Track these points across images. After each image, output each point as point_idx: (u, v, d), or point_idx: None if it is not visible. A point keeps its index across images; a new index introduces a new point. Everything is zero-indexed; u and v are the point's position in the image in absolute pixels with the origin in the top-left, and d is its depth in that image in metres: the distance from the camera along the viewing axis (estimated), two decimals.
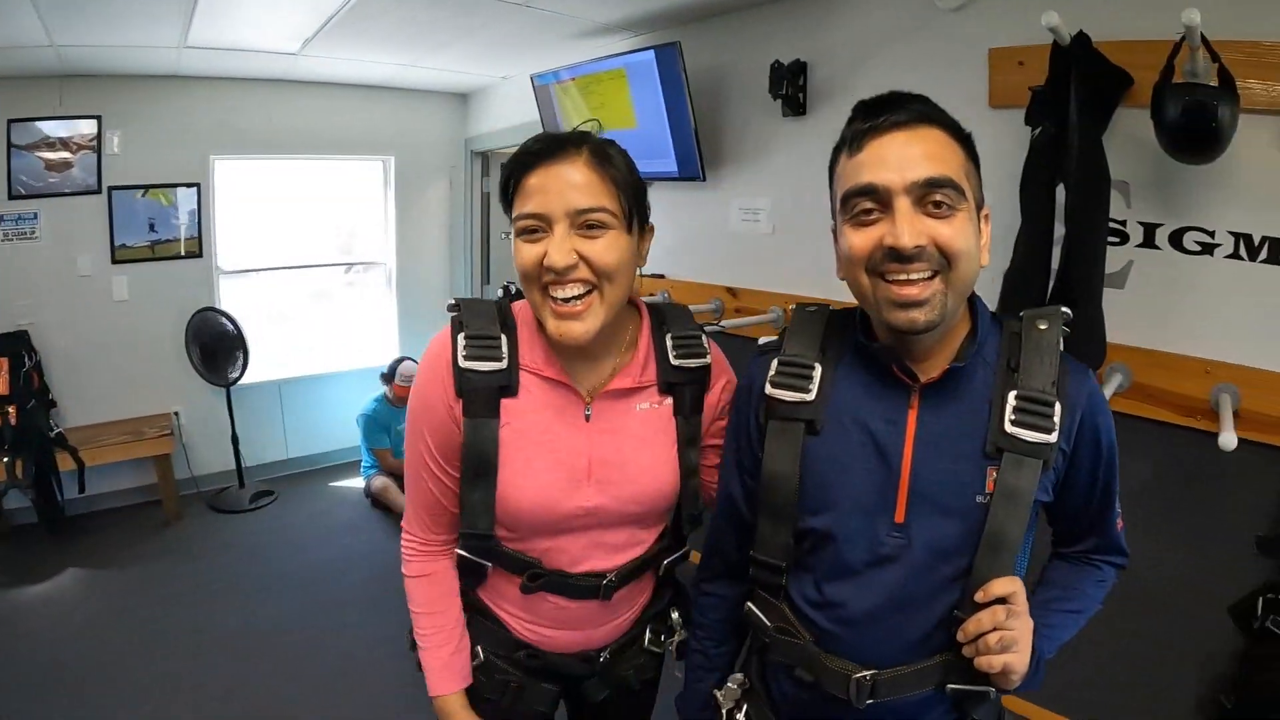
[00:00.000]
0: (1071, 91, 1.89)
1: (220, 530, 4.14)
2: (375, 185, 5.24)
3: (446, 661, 1.25)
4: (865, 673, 1.02)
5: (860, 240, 0.96)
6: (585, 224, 1.05)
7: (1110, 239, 1.98)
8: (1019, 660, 0.93)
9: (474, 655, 1.27)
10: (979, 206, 0.98)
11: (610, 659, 1.31)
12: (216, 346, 4.39)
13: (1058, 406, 0.96)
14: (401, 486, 4.26)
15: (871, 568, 1.02)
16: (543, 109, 3.97)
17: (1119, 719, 2.14)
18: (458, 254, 5.53)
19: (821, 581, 1.07)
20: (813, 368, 1.07)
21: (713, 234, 3.39)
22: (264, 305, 4.97)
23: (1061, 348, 1.01)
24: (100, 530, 4.07)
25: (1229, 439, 1.71)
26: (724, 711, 1.22)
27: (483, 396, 1.13)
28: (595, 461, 1.17)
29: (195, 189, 4.44)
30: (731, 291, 3.32)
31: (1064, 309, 1.02)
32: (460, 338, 1.13)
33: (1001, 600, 0.94)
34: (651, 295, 3.53)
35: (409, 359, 4.58)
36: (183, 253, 4.46)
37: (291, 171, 4.91)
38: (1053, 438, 0.96)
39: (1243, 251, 1.94)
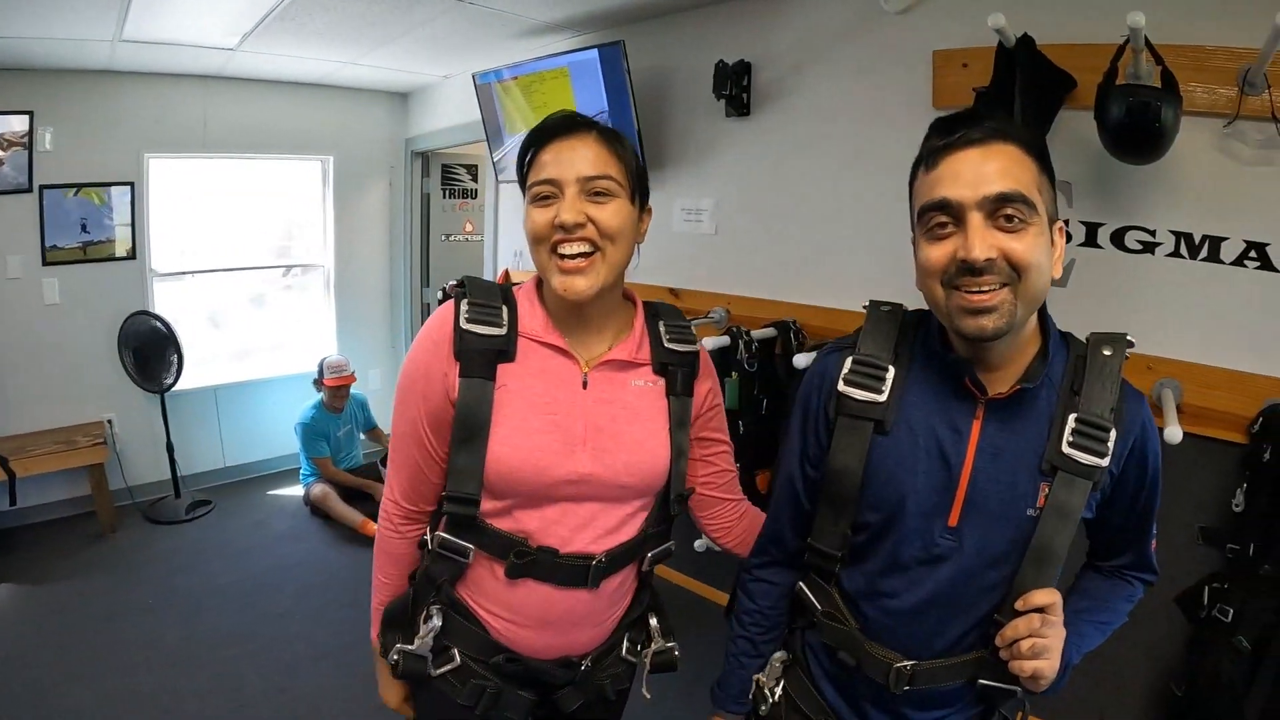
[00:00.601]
0: (1016, 93, 1.91)
1: (157, 542, 3.97)
2: (314, 186, 5.12)
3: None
4: (906, 663, 1.08)
5: (935, 253, 0.98)
6: (594, 190, 1.12)
7: None
8: (1049, 667, 0.98)
9: (449, 658, 1.24)
10: (1052, 220, 0.99)
11: (591, 666, 1.28)
12: (150, 352, 4.21)
13: (1113, 432, 1.00)
14: (342, 495, 4.19)
15: (923, 565, 1.07)
16: (484, 108, 3.90)
17: (1071, 709, 2.18)
18: (398, 256, 5.41)
19: (874, 574, 1.12)
20: (886, 369, 1.11)
21: (654, 234, 3.28)
22: (199, 309, 4.80)
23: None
24: (33, 544, 3.87)
25: (1174, 432, 1.75)
26: (765, 688, 1.26)
27: (480, 359, 1.15)
28: (590, 428, 1.18)
29: (129, 188, 4.25)
30: (674, 292, 3.31)
31: (1129, 336, 1.06)
32: (464, 303, 1.17)
33: (1039, 610, 0.98)
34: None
35: (334, 355, 4.53)
36: (116, 254, 4.27)
37: (228, 171, 4.75)
38: (1105, 461, 1.00)
39: (1183, 250, 1.99)
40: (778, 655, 1.27)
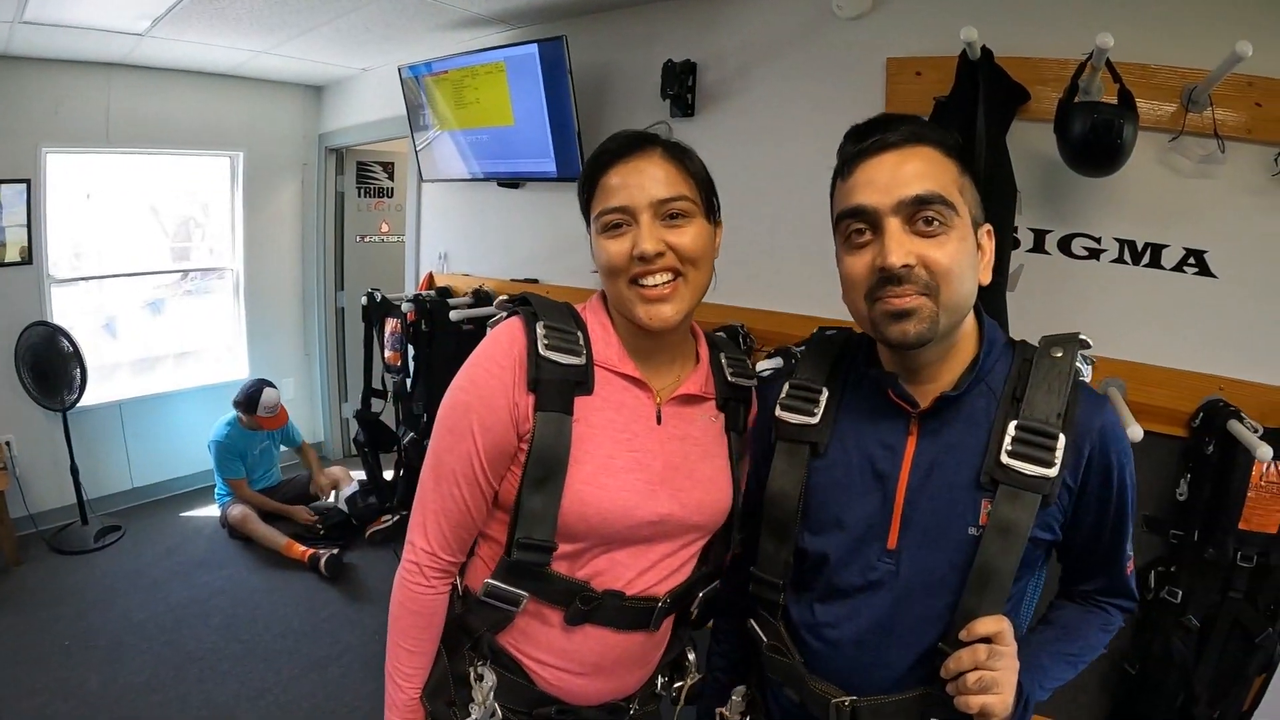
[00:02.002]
0: (980, 103, 1.98)
1: (65, 574, 3.67)
2: (222, 183, 4.84)
3: (413, 700, 1.16)
4: (846, 698, 1.01)
5: (854, 264, 0.96)
6: (669, 213, 1.06)
7: None
8: (1000, 702, 0.89)
9: (489, 712, 1.14)
10: (978, 223, 0.97)
11: (639, 708, 1.24)
12: (50, 366, 3.90)
13: (1061, 439, 0.93)
14: (263, 516, 3.98)
15: (861, 592, 1.02)
16: (410, 101, 3.77)
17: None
18: (310, 258, 5.18)
19: (815, 603, 1.07)
20: (820, 391, 1.09)
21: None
22: (96, 317, 4.47)
23: (1086, 377, 1.01)
24: None
25: (1135, 431, 1.75)
26: None
27: (559, 390, 1.07)
28: (668, 466, 1.13)
29: (25, 186, 3.92)
30: None
31: (1083, 336, 1.00)
32: (540, 326, 1.09)
33: (986, 639, 0.91)
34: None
35: (267, 384, 4.18)
36: (11, 259, 3.93)
37: (132, 168, 4.44)
38: (1052, 472, 0.93)
39: (1127, 256, 2.10)
40: (738, 690, 1.23)
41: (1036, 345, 1.02)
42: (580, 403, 1.09)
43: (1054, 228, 2.18)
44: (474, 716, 1.12)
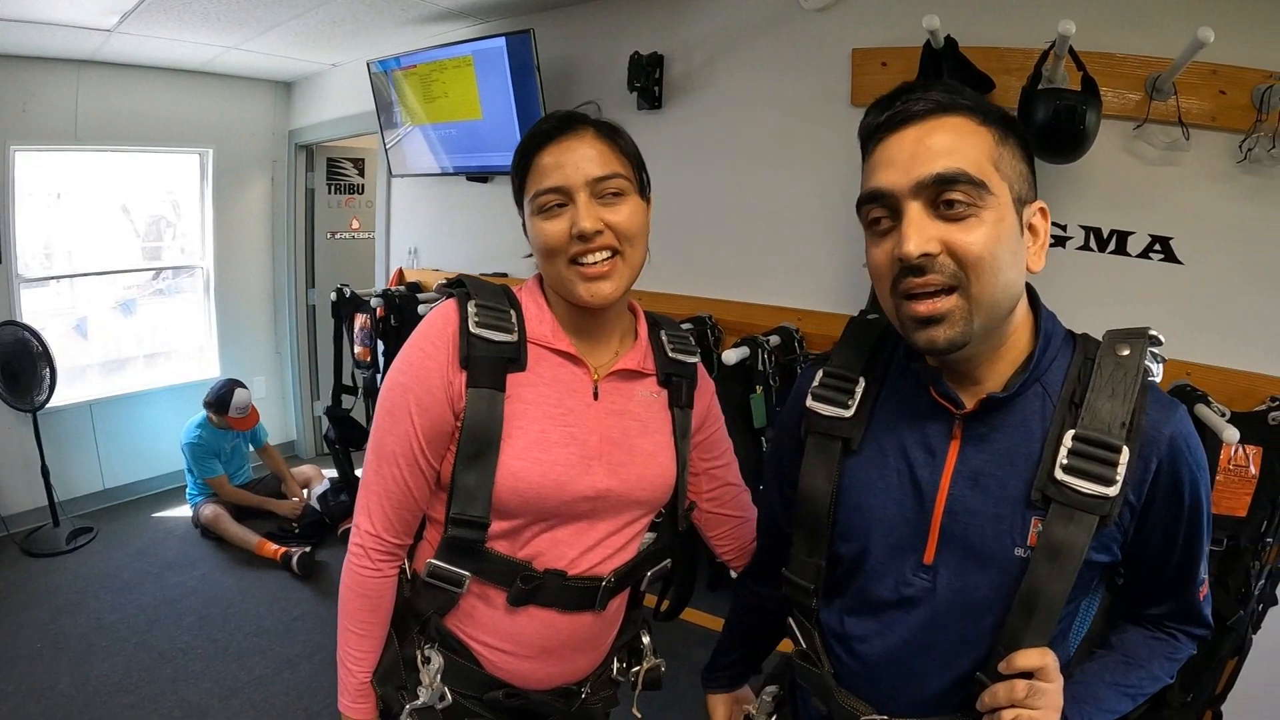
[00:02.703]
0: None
1: (37, 577, 3.60)
2: (192, 181, 4.76)
3: (364, 684, 1.15)
4: (876, 718, 0.94)
5: (877, 254, 0.86)
6: (605, 192, 1.05)
7: None
8: None
9: (440, 697, 1.13)
10: (1023, 201, 0.84)
11: (590, 691, 1.22)
12: (20, 366, 3.80)
13: (1125, 452, 0.81)
14: (235, 515, 3.94)
15: (894, 607, 0.93)
16: (379, 97, 3.73)
17: None
18: (281, 255, 5.11)
19: (845, 613, 0.99)
20: (855, 382, 0.98)
21: None
22: (65, 317, 4.39)
23: (1156, 378, 0.89)
24: None
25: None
26: None
27: (490, 367, 1.06)
28: (605, 441, 1.12)
29: None
30: None
31: (1153, 331, 0.87)
32: (471, 304, 1.08)
33: (1028, 674, 0.82)
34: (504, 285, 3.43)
35: (238, 385, 4.11)
36: None
37: (102, 166, 4.36)
38: (1113, 490, 0.81)
39: (1093, 243, 2.11)
40: (770, 689, 1.18)
41: (1100, 341, 0.89)
42: (513, 379, 1.08)
43: None
44: (422, 699, 1.11)
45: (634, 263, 1.10)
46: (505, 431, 1.05)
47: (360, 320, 3.67)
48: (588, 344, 1.15)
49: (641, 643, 1.32)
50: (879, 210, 0.84)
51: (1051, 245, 2.08)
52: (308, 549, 3.69)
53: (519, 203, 1.13)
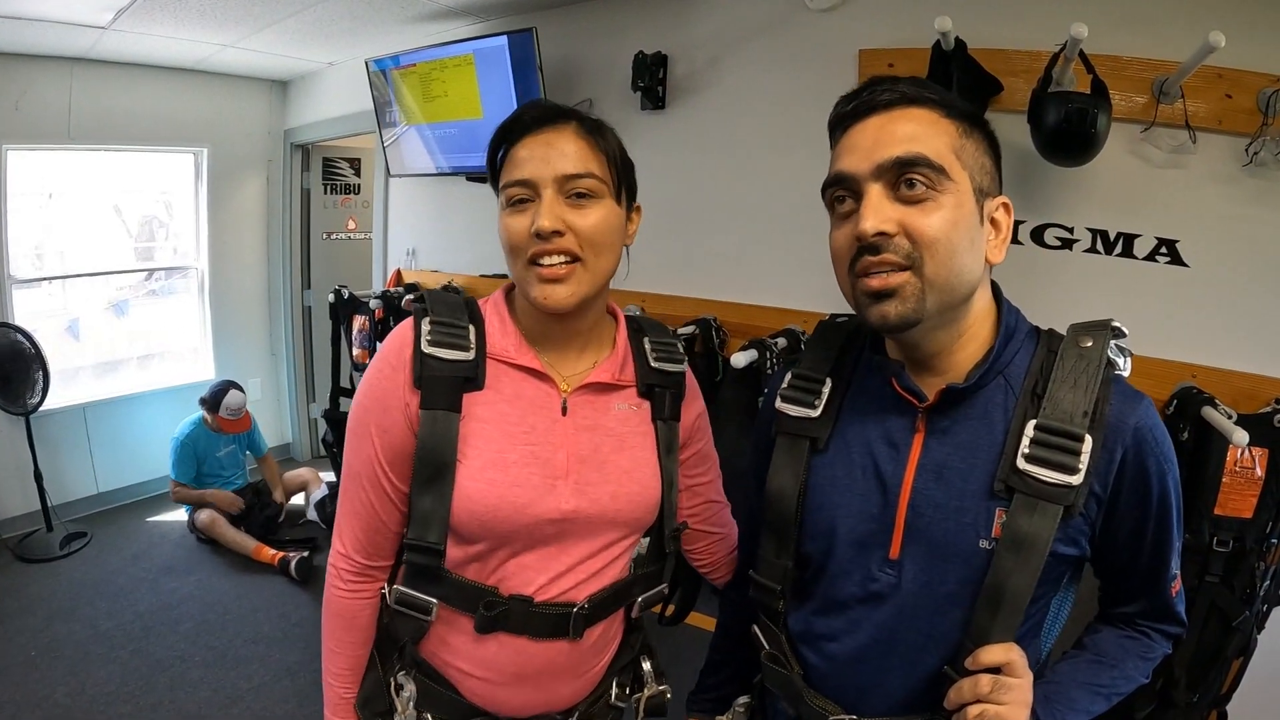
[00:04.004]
0: (954, 94, 1.98)
1: (31, 583, 3.56)
2: (186, 181, 4.74)
3: (344, 700, 1.14)
4: (845, 717, 0.94)
5: (837, 236, 0.88)
6: (574, 191, 1.00)
7: None
8: None
9: None
10: (985, 193, 0.86)
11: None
12: (12, 369, 3.77)
13: (1088, 441, 0.82)
14: (231, 520, 3.91)
15: (861, 604, 0.93)
16: (377, 96, 3.70)
17: None
18: (276, 256, 5.07)
19: (813, 613, 0.99)
20: (822, 382, 1.00)
21: None
22: (58, 318, 4.36)
23: (1124, 371, 0.90)
24: None
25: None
26: None
27: (444, 387, 1.02)
28: (572, 459, 1.06)
29: None
30: None
31: (1116, 324, 0.88)
32: (425, 322, 1.04)
33: (996, 670, 0.82)
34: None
35: (234, 386, 4.10)
36: None
37: (95, 165, 4.33)
38: (1076, 479, 0.81)
39: (1099, 246, 2.11)
40: (741, 700, 1.18)
41: (1064, 334, 0.91)
42: (470, 399, 1.04)
43: (1027, 218, 2.19)
44: None
45: (597, 271, 1.03)
46: (460, 453, 1.02)
47: (359, 322, 3.65)
48: (557, 354, 1.10)
49: (642, 668, 1.26)
50: (842, 192, 0.86)
51: (1058, 248, 2.14)
52: (305, 553, 3.68)
53: (497, 194, 1.07)
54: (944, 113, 0.85)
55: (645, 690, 1.25)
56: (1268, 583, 1.89)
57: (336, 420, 3.76)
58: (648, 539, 1.20)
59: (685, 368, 1.20)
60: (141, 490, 4.58)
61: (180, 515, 4.18)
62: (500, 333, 1.08)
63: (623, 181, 1.06)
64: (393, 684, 1.11)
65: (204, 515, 3.93)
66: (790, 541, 1.00)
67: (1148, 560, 0.91)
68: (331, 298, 3.77)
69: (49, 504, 3.95)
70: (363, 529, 1.09)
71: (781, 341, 2.49)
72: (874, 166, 0.82)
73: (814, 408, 0.99)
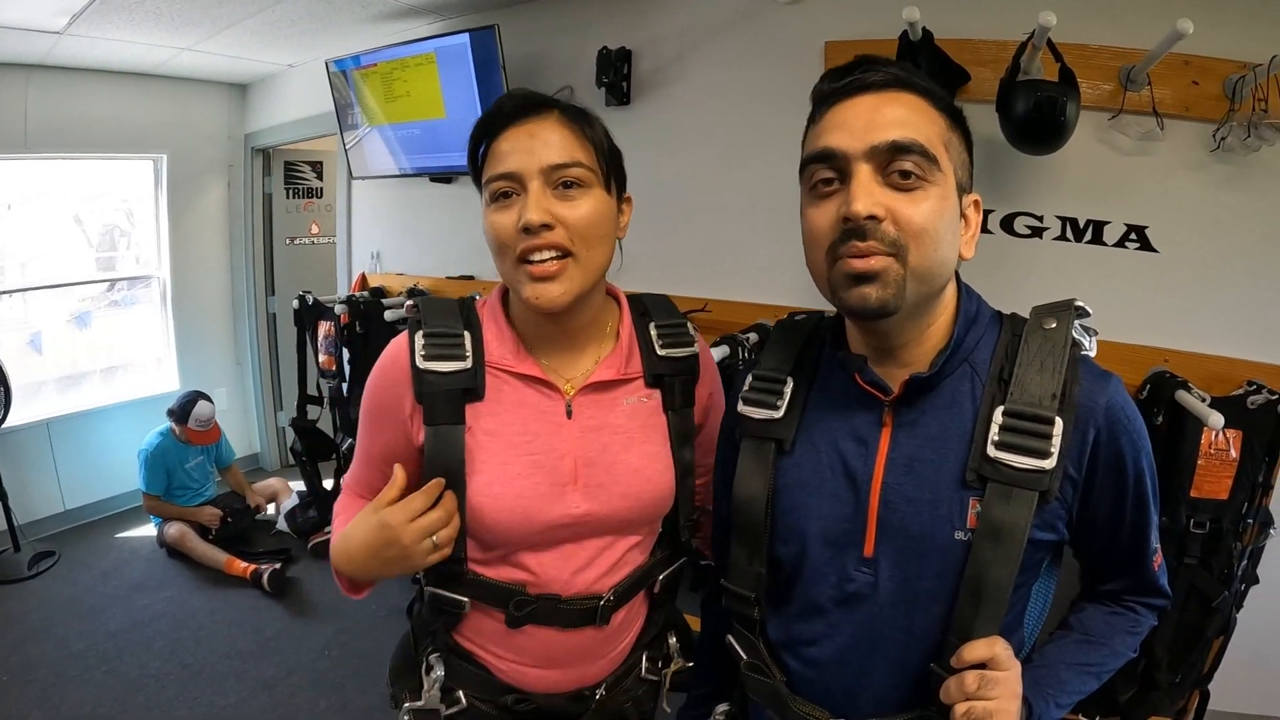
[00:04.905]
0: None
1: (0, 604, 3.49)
2: (146, 188, 4.62)
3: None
4: None
5: (817, 215, 0.84)
6: (561, 181, 0.97)
7: None
8: None
9: (455, 699, 1.13)
10: (963, 189, 0.86)
11: (606, 694, 1.18)
12: None
13: (1059, 423, 0.81)
14: (200, 533, 3.84)
15: (840, 606, 0.91)
16: (338, 97, 3.64)
17: None
18: (239, 263, 4.97)
19: (791, 619, 0.97)
20: (784, 382, 0.98)
21: None
22: (25, 332, 4.25)
23: (1090, 351, 0.89)
24: None
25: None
26: None
27: (445, 400, 1.01)
28: (580, 463, 1.05)
29: None
30: None
31: (1079, 303, 0.87)
32: (418, 336, 1.02)
33: (980, 665, 0.80)
34: (462, 299, 3.35)
35: (203, 397, 4.02)
36: None
37: (53, 174, 4.23)
38: (1049, 463, 0.80)
39: (1069, 234, 2.12)
40: (721, 708, 1.16)
41: (1027, 318, 0.90)
42: (472, 410, 1.03)
43: (996, 207, 2.19)
44: (422, 703, 1.12)
45: (590, 266, 1.00)
46: (469, 467, 1.01)
47: (324, 328, 3.57)
48: (560, 356, 1.09)
49: (668, 643, 1.27)
50: (827, 170, 0.83)
51: (1028, 236, 2.15)
52: (278, 565, 3.60)
53: (479, 191, 1.04)
54: (932, 101, 0.84)
55: (673, 665, 1.26)
56: (1245, 563, 1.92)
57: (305, 429, 3.69)
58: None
59: (696, 349, 1.17)
60: (109, 506, 4.48)
61: (149, 530, 4.09)
62: (498, 339, 1.06)
63: (612, 170, 1.04)
64: (424, 664, 1.14)
65: (173, 530, 3.85)
66: (762, 547, 0.97)
67: (1128, 539, 0.91)
68: (296, 304, 3.69)
69: (15, 523, 3.85)
70: (363, 486, 1.16)
71: (753, 337, 2.48)
72: (868, 147, 0.79)
73: (777, 409, 0.97)
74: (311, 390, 3.74)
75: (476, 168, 1.03)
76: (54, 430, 4.25)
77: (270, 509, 4.28)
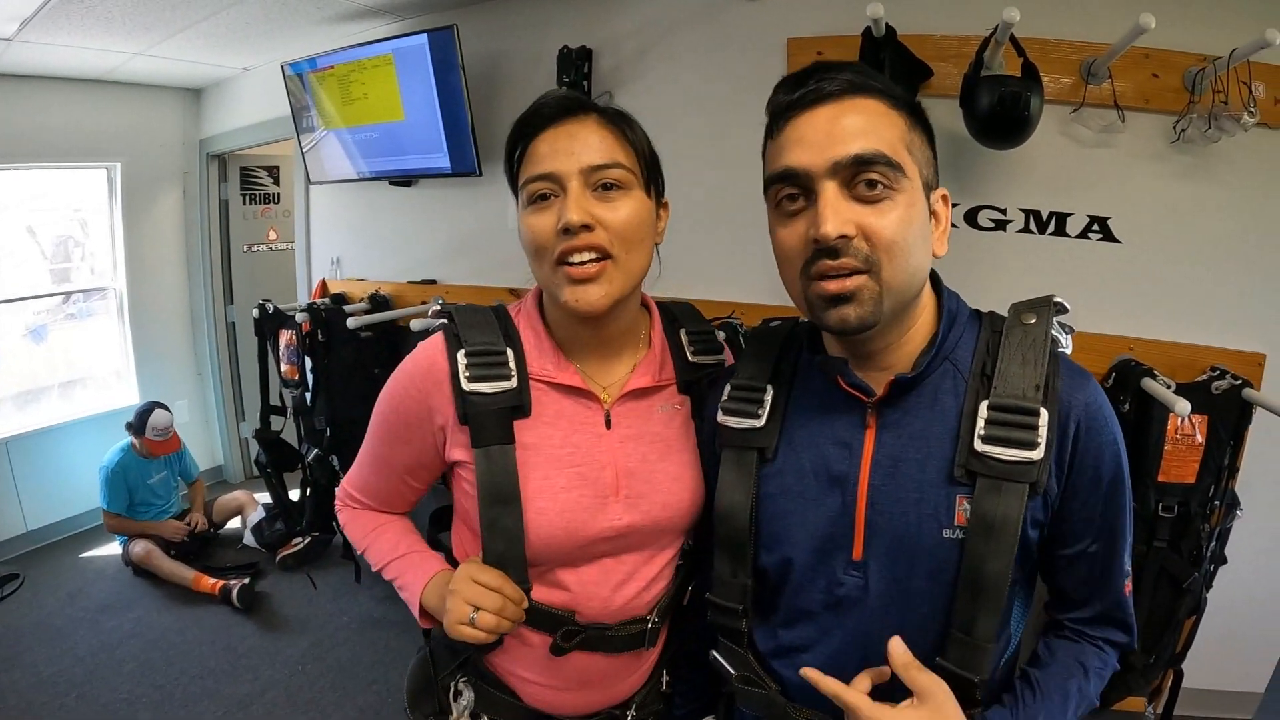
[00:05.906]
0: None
1: None
2: (100, 197, 4.49)
3: (414, 561, 1.12)
4: None
5: (786, 236, 0.83)
6: (601, 183, 0.94)
7: None
8: None
9: None
10: (930, 186, 0.85)
11: (636, 714, 1.16)
12: None
13: (1044, 414, 0.80)
14: (164, 548, 3.75)
15: (830, 610, 0.91)
16: (294, 100, 3.56)
17: None
18: (196, 272, 4.86)
19: (780, 627, 0.96)
20: (764, 390, 0.96)
21: (491, 233, 3.19)
22: None
23: (1066, 349, 0.88)
24: None
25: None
26: None
27: (493, 421, 0.98)
28: (621, 474, 1.03)
29: None
30: (515, 294, 3.14)
31: (1058, 299, 0.87)
32: (460, 355, 0.99)
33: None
34: (424, 303, 3.31)
35: (160, 406, 3.92)
36: None
37: (3, 185, 4.10)
38: (1037, 454, 0.79)
39: (1033, 226, 2.15)
40: None
41: (1005, 315, 0.90)
42: (519, 426, 1.00)
43: (960, 201, 2.21)
44: None
45: (630, 269, 0.97)
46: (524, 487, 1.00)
47: (285, 337, 3.49)
48: (598, 363, 1.06)
49: None
50: (791, 189, 0.82)
51: (992, 229, 2.16)
52: (247, 580, 3.52)
53: (515, 195, 1.02)
54: (891, 103, 0.82)
55: None
56: (1214, 544, 1.96)
57: (269, 441, 3.61)
58: None
59: (724, 357, 1.16)
60: (72, 525, 4.35)
61: (115, 549, 3.98)
62: (537, 349, 1.04)
63: (651, 174, 1.02)
64: (451, 689, 1.12)
65: (139, 547, 3.75)
66: (747, 558, 0.96)
67: (1101, 547, 0.88)
68: (256, 313, 3.60)
69: None
70: (371, 494, 1.16)
71: (721, 335, 2.47)
72: (830, 163, 0.78)
73: (758, 417, 0.96)
74: (274, 400, 3.66)
75: (512, 171, 1.01)
76: (13, 449, 4.13)
77: (236, 522, 4.19)
